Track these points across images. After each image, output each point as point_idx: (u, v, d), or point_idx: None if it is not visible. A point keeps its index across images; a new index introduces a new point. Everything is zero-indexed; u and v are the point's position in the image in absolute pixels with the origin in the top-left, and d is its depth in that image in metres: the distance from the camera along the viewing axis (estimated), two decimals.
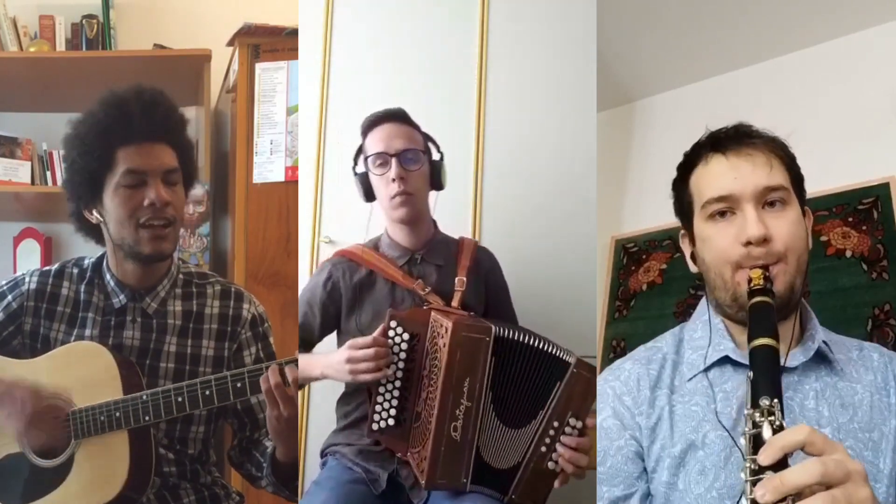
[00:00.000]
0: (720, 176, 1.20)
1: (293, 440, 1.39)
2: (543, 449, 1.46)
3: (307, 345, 1.70)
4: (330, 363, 1.53)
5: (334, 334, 1.74)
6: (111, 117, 1.43)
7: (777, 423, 0.91)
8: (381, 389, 1.52)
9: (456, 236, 1.84)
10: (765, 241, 1.14)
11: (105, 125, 1.43)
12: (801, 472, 0.82)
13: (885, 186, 2.28)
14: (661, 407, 1.20)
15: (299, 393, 1.44)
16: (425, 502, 1.56)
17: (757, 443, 0.90)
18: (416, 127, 1.71)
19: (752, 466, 0.88)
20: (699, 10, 2.49)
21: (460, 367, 1.44)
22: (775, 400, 0.92)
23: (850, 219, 2.32)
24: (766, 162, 1.18)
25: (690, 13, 2.52)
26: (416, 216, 1.69)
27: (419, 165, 1.66)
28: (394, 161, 1.63)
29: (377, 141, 1.65)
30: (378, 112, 1.69)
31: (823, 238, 2.32)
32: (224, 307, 1.56)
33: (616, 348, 2.69)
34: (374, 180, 1.67)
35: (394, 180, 1.62)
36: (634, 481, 1.19)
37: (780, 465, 0.86)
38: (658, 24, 2.60)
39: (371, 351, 1.46)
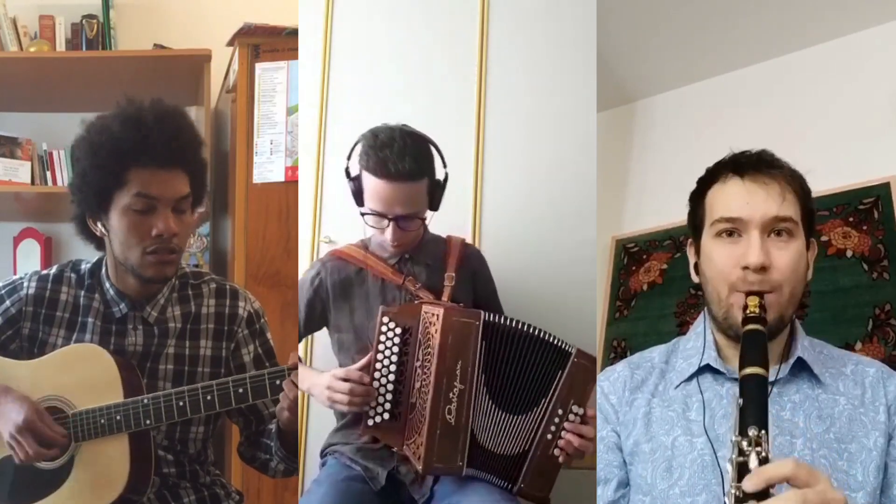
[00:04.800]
0: (734, 198, 1.24)
1: (296, 416, 1.41)
2: (549, 437, 1.51)
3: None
4: (314, 383, 1.57)
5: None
6: (128, 136, 1.39)
7: (763, 453, 0.96)
8: (376, 384, 1.54)
9: (455, 235, 1.84)
10: (763, 268, 1.18)
11: (121, 143, 1.39)
12: (781, 503, 0.88)
13: (885, 186, 2.28)
14: (639, 408, 1.30)
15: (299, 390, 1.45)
16: (428, 499, 1.58)
17: (742, 470, 0.94)
18: (421, 177, 1.58)
19: (737, 493, 0.93)
20: (700, 10, 2.49)
21: (452, 350, 1.49)
22: (763, 431, 0.97)
23: (851, 219, 2.32)
24: (780, 193, 1.21)
25: (691, 13, 2.51)
26: (406, 250, 1.71)
27: (417, 226, 1.65)
28: (392, 225, 1.59)
29: (378, 198, 1.57)
30: (385, 158, 1.53)
31: (824, 238, 2.33)
32: (220, 306, 1.56)
33: (617, 348, 2.69)
34: (369, 223, 1.63)
35: (387, 239, 1.61)
36: (614, 469, 1.29)
37: (763, 493, 0.91)
38: (658, 24, 2.60)
39: (347, 386, 1.50)
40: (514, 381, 1.53)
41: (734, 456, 0.96)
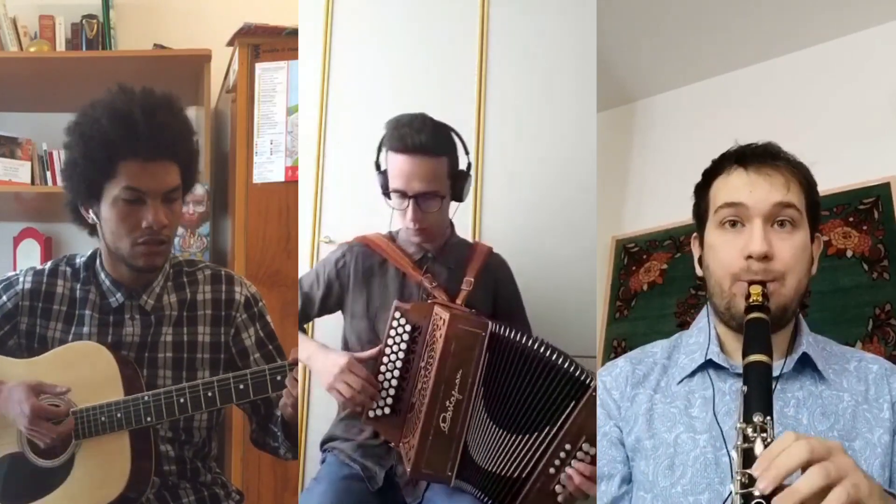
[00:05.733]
0: (737, 188, 1.24)
1: (297, 411, 1.41)
2: (552, 471, 1.44)
3: (305, 315, 1.77)
4: (319, 358, 1.57)
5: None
6: (117, 130, 1.39)
7: (769, 439, 0.95)
8: (380, 378, 1.55)
9: (483, 243, 1.86)
10: (766, 257, 1.18)
11: (110, 136, 1.39)
12: (790, 455, 0.87)
13: (885, 186, 2.28)
14: (641, 404, 1.28)
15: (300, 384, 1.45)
16: (420, 502, 1.57)
17: (748, 457, 0.94)
18: (439, 153, 1.63)
19: (743, 480, 0.92)
20: (699, 10, 2.49)
21: (454, 358, 1.47)
22: (768, 417, 0.97)
23: (851, 219, 2.32)
24: (784, 183, 1.21)
25: (691, 13, 2.52)
26: (429, 240, 1.71)
27: (437, 207, 1.65)
28: (411, 203, 1.62)
29: (398, 174, 1.62)
30: (403, 133, 1.60)
31: (824, 238, 2.32)
32: (216, 292, 1.56)
33: (617, 348, 2.69)
34: (393, 205, 1.67)
35: (408, 219, 1.63)
36: (617, 464, 1.27)
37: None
38: (658, 25, 2.60)
39: (360, 383, 1.49)
40: (516, 398, 1.48)
41: (739, 442, 0.95)
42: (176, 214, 1.47)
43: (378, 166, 1.70)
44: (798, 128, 2.48)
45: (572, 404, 1.43)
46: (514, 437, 1.48)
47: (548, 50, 2.26)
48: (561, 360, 1.46)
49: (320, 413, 2.13)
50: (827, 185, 2.27)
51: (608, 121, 2.99)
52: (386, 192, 1.68)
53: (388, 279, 1.72)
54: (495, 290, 1.78)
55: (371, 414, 1.54)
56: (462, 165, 1.70)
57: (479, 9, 2.28)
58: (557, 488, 1.44)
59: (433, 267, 1.73)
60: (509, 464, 1.48)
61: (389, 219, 1.75)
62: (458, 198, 1.71)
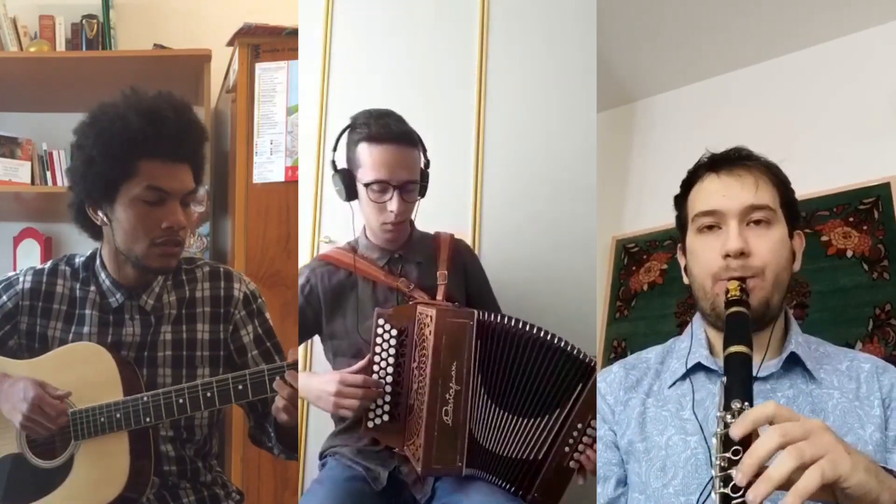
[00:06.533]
0: (711, 193, 1.28)
1: (296, 416, 1.40)
2: (566, 449, 1.49)
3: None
4: (312, 388, 1.53)
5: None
6: (142, 127, 1.38)
7: None
8: None
9: (443, 232, 1.84)
10: (743, 254, 1.21)
11: (135, 133, 1.38)
12: (763, 442, 0.87)
13: (885, 186, 2.28)
14: (633, 407, 1.31)
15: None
16: (430, 499, 1.57)
17: (726, 442, 0.94)
18: (417, 143, 1.65)
19: (722, 464, 0.93)
20: (699, 10, 2.49)
21: (447, 351, 1.48)
22: (746, 403, 0.98)
23: (851, 219, 2.32)
24: (754, 182, 1.25)
25: (691, 13, 2.52)
26: (400, 235, 1.70)
27: (414, 199, 1.66)
28: (396, 194, 1.60)
29: (380, 164, 1.59)
30: (387, 122, 1.60)
31: (824, 238, 2.33)
32: (215, 289, 1.55)
33: (617, 348, 2.69)
34: (367, 201, 1.63)
35: (392, 211, 1.61)
36: (612, 467, 1.31)
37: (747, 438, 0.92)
38: (658, 25, 2.60)
39: (359, 392, 1.48)
40: (516, 381, 1.50)
41: (719, 430, 0.97)
42: (191, 217, 1.48)
43: (334, 165, 1.66)
44: (798, 127, 2.48)
45: (580, 386, 1.48)
46: (524, 421, 1.50)
47: (548, 50, 2.26)
48: (563, 343, 1.50)
49: (320, 412, 2.12)
50: (827, 185, 2.31)
51: (608, 121, 2.99)
52: (351, 191, 1.65)
53: (359, 291, 1.69)
54: (465, 275, 1.79)
55: (370, 424, 1.53)
56: (421, 163, 1.69)
57: (479, 9, 2.29)
58: (572, 464, 1.48)
59: (403, 266, 1.71)
60: (524, 447, 1.50)
61: (352, 222, 1.70)
62: (423, 193, 1.70)
